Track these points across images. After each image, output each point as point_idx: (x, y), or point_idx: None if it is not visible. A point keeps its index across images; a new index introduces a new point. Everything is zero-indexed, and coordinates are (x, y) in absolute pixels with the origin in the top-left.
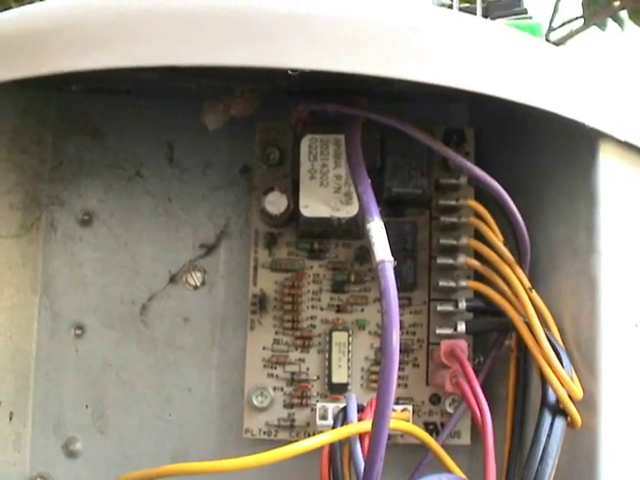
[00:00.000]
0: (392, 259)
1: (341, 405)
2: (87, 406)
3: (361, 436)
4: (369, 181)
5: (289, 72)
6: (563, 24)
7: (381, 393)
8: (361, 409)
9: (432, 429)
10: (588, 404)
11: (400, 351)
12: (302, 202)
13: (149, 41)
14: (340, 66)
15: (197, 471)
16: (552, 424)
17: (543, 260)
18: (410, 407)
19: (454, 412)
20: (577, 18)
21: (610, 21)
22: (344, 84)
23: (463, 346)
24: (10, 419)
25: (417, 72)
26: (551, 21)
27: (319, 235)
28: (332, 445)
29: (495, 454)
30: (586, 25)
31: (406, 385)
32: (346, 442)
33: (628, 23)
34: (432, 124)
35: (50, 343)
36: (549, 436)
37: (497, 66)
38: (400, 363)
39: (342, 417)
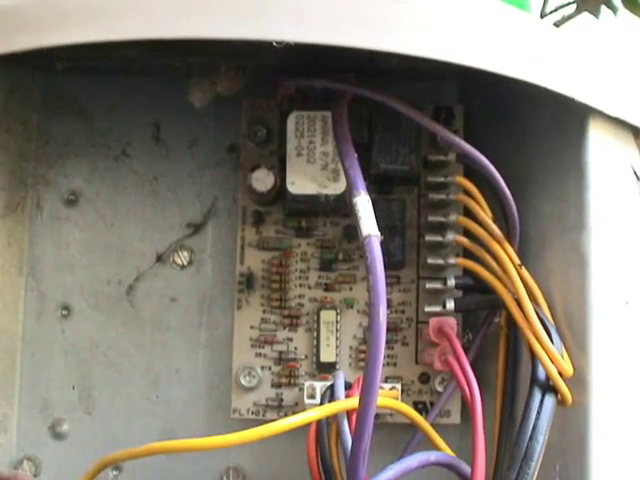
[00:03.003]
0: (379, 234)
1: (329, 384)
2: (74, 387)
3: (349, 413)
4: (356, 156)
5: (274, 44)
6: (556, 9)
7: (368, 368)
8: (349, 387)
9: (421, 408)
10: (578, 381)
11: (389, 330)
12: (289, 179)
13: (132, 15)
14: (325, 38)
15: (183, 448)
16: (542, 401)
17: (533, 237)
18: (399, 386)
19: (444, 391)
20: (570, 4)
21: (603, 8)
22: (332, 61)
23: (452, 323)
24: None
25: (404, 45)
26: (543, 6)
27: (306, 213)
28: (319, 422)
29: (485, 432)
30: (578, 11)
31: (395, 364)
32: (333, 420)
33: (621, 10)
34: (421, 102)
35: (36, 324)
36: (539, 413)
37: (485, 39)
38: (389, 342)
39: (329, 394)
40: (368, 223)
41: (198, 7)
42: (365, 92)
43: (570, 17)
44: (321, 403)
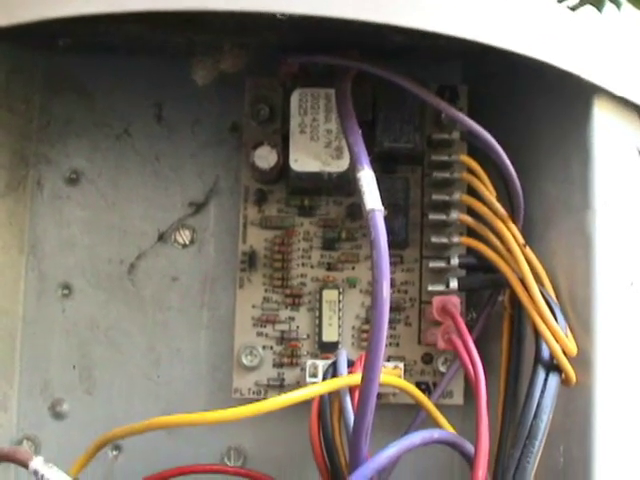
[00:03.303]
0: (382, 208)
1: (332, 361)
2: (74, 367)
3: (351, 390)
4: (359, 132)
5: (278, 16)
6: (559, 1)
7: (371, 344)
8: (351, 365)
9: (424, 389)
10: (583, 362)
11: (391, 309)
12: (292, 156)
13: None
14: (330, 11)
15: (184, 423)
16: (546, 380)
17: (537, 217)
18: (401, 365)
19: (447, 371)
20: None
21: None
22: (335, 38)
23: (455, 302)
24: None
25: (408, 19)
26: None
27: (309, 191)
28: (321, 399)
29: (488, 411)
30: (581, 3)
31: (398, 344)
32: (336, 396)
33: (625, 4)
34: (425, 81)
35: (37, 304)
36: (543, 392)
37: (491, 14)
38: (392, 322)
39: (332, 371)
40: (372, 198)
41: None
42: (369, 68)
43: (574, 9)
44: (324, 379)
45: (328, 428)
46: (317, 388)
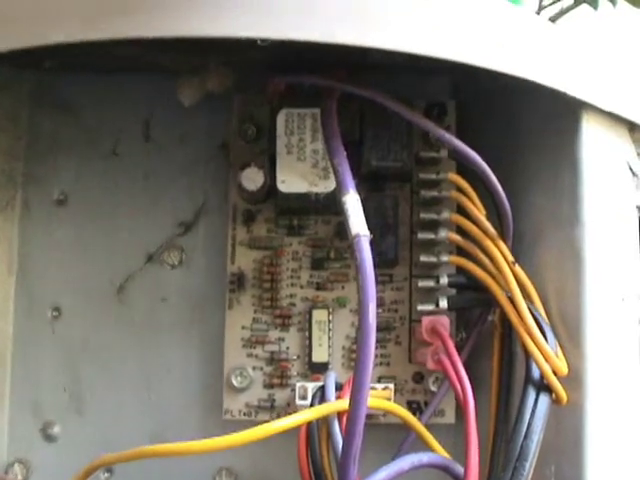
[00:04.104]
0: (368, 233)
1: (320, 385)
2: (65, 389)
3: (339, 415)
4: (345, 154)
5: (258, 42)
6: (553, 2)
7: (358, 369)
8: (340, 388)
9: (415, 408)
10: (574, 380)
11: (381, 329)
12: (279, 177)
13: (108, 13)
14: (309, 35)
15: (172, 452)
16: (536, 400)
17: (527, 233)
18: (392, 385)
19: (438, 390)
20: None
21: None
22: (322, 57)
23: (445, 322)
24: None
25: (392, 41)
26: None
27: (298, 211)
28: (310, 424)
29: (480, 432)
30: (577, 3)
31: (388, 363)
32: (324, 421)
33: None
34: (413, 97)
35: (27, 324)
36: (533, 412)
37: (476, 34)
38: (382, 341)
39: (320, 395)
40: (357, 222)
41: (181, 5)
42: (354, 89)
43: (569, 9)
44: (311, 404)
45: (316, 453)
46: (304, 416)
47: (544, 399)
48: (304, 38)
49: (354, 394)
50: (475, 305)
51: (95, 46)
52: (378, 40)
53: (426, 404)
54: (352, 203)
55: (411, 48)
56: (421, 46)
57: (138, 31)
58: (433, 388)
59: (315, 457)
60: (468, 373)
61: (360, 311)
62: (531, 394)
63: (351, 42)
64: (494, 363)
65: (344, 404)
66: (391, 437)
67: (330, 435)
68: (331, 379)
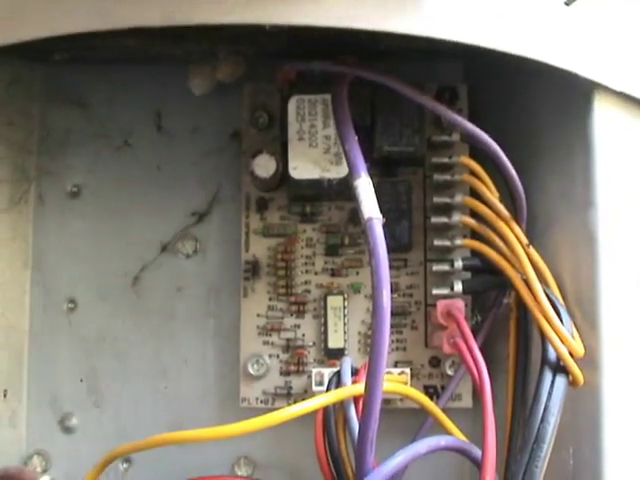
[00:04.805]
0: (380, 216)
1: (336, 370)
2: (82, 380)
3: (356, 399)
4: (356, 138)
5: (267, 28)
6: None
7: (373, 354)
8: (356, 373)
9: (432, 392)
10: (590, 361)
11: (397, 314)
12: (291, 164)
13: (115, 3)
14: (323, 21)
15: (187, 439)
16: (553, 382)
17: (540, 215)
18: (408, 370)
19: (454, 374)
20: None
21: None
22: (333, 44)
23: (460, 305)
24: (5, 396)
25: (402, 25)
26: None
27: (311, 198)
28: (326, 409)
29: (497, 415)
30: None
31: (405, 348)
32: (340, 406)
33: None
34: (425, 82)
35: (43, 318)
36: (550, 394)
37: (486, 16)
38: (398, 326)
39: (336, 381)
40: (369, 206)
41: None
42: (364, 74)
43: (568, 3)
44: (327, 389)
45: (333, 438)
46: (320, 400)
47: (561, 381)
48: (317, 24)
49: (369, 379)
50: (490, 288)
51: (104, 37)
52: (390, 24)
53: (443, 388)
54: (364, 187)
55: (424, 31)
56: (434, 29)
57: (145, 20)
58: (450, 372)
59: (332, 442)
60: (484, 356)
61: (374, 294)
62: (548, 376)
63: (364, 27)
64: (510, 346)
65: (360, 388)
66: (409, 422)
67: (347, 420)
68: (347, 364)
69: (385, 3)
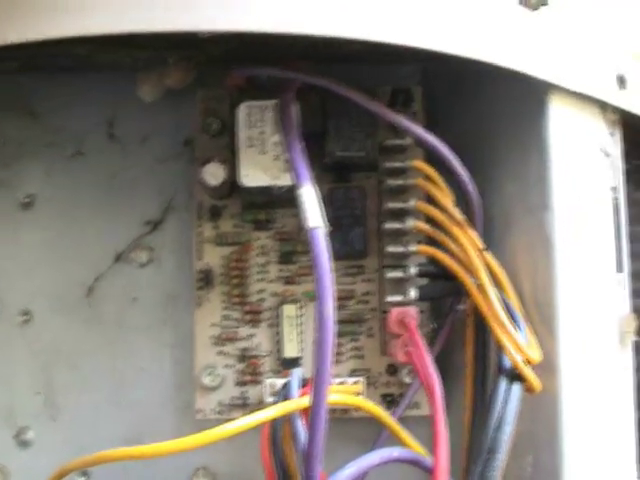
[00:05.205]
0: (324, 225)
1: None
2: (38, 393)
3: (303, 412)
4: (300, 146)
5: (199, 36)
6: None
7: (317, 366)
8: (306, 384)
9: (390, 401)
10: (548, 367)
11: (353, 321)
12: (241, 171)
13: (55, 11)
14: (245, 26)
15: (140, 455)
16: (508, 390)
17: (497, 219)
18: (363, 379)
19: (412, 382)
20: None
21: None
22: (282, 49)
23: (413, 313)
24: None
25: (351, 30)
26: None
27: (263, 205)
28: (272, 423)
29: (456, 423)
30: None
31: (361, 356)
32: (287, 419)
33: None
34: (381, 84)
35: None
36: (505, 402)
37: (439, 21)
38: (354, 334)
39: (284, 393)
40: (313, 215)
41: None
42: (312, 80)
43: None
44: (275, 402)
45: (280, 452)
46: (264, 414)
47: (516, 389)
48: (253, 29)
49: (314, 391)
50: (445, 294)
51: (52, 45)
52: (342, 30)
53: (401, 396)
54: (308, 196)
55: (372, 36)
56: (383, 34)
57: (84, 29)
58: (407, 380)
59: (279, 456)
60: (442, 364)
61: (317, 304)
62: (502, 384)
63: (307, 33)
64: (468, 353)
65: (306, 401)
66: (366, 431)
67: (294, 433)
68: (294, 376)
69: (334, 8)
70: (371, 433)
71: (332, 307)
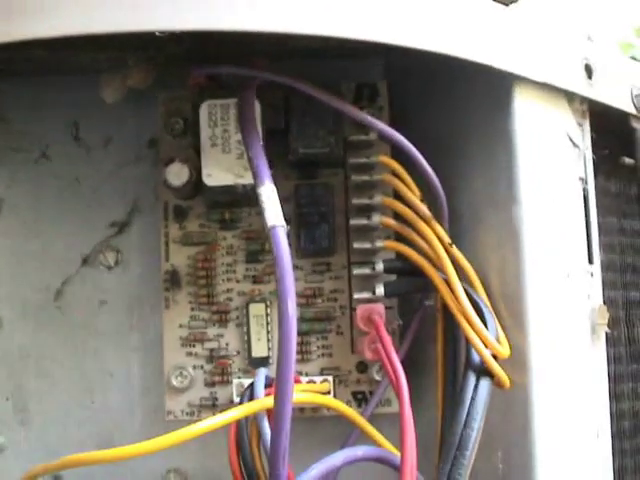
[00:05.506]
0: (284, 224)
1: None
2: (7, 398)
3: (269, 412)
4: (260, 144)
5: (157, 34)
6: None
7: (281, 366)
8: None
9: (361, 398)
10: (518, 361)
11: (322, 319)
12: (205, 171)
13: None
14: (200, 24)
15: (92, 461)
16: (477, 386)
17: (465, 214)
18: (330, 378)
19: (382, 380)
20: None
21: None
22: (242, 46)
23: (380, 309)
24: None
25: (308, 26)
26: None
27: (229, 204)
28: (239, 423)
29: (428, 419)
30: None
31: (331, 354)
32: (253, 419)
33: None
34: (344, 80)
35: None
36: (473, 399)
37: (400, 14)
38: (323, 332)
39: (249, 393)
40: (273, 213)
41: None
42: (271, 77)
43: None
44: (241, 402)
45: (246, 452)
46: (229, 415)
47: (484, 384)
48: (196, 27)
49: (278, 390)
50: (413, 290)
51: (11, 49)
52: (298, 26)
53: (371, 394)
54: (267, 195)
55: (330, 31)
56: (341, 29)
57: (42, 32)
58: (377, 377)
59: (246, 456)
60: (414, 360)
61: (279, 303)
62: (471, 380)
63: (262, 29)
64: (438, 349)
65: (271, 401)
66: (337, 429)
67: (260, 433)
68: (260, 375)
69: (291, 3)
70: (342, 431)
71: (294, 306)
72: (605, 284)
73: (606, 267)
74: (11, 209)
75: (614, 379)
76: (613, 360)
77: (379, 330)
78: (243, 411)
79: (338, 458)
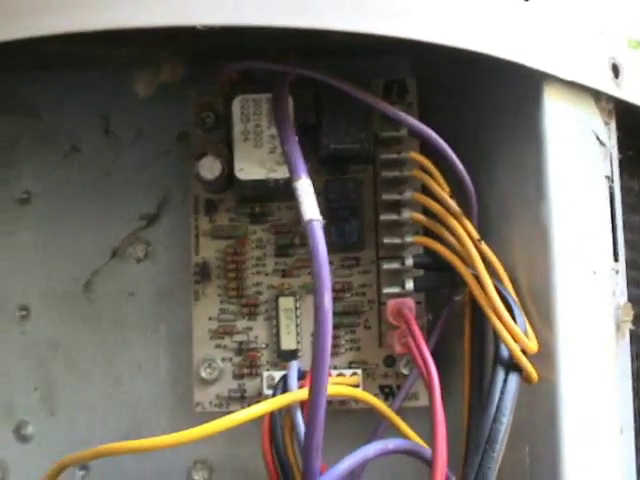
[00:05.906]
0: (320, 218)
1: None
2: (36, 388)
3: (303, 404)
4: (296, 139)
5: (198, 27)
6: None
7: (316, 358)
8: (304, 377)
9: (388, 392)
10: (545, 357)
11: (350, 313)
12: (237, 165)
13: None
14: (247, 20)
15: (137, 448)
16: (506, 381)
17: (493, 210)
18: (360, 371)
19: (410, 373)
20: None
21: None
22: (274, 42)
23: (410, 304)
24: None
25: (344, 23)
26: None
27: (259, 198)
28: (272, 415)
29: (455, 413)
30: None
31: (359, 348)
32: (287, 411)
33: None
34: (374, 77)
35: None
36: (502, 393)
37: (430, 12)
38: (351, 326)
39: (282, 385)
40: (309, 208)
41: None
42: (305, 72)
43: None
44: (274, 394)
45: (280, 444)
46: (263, 407)
47: (513, 379)
48: (241, 23)
49: (313, 383)
50: (442, 285)
51: (44, 44)
52: (334, 23)
53: (399, 388)
54: (304, 189)
55: (367, 28)
56: (377, 26)
57: (74, 26)
58: (405, 371)
59: (279, 448)
60: (440, 355)
61: (315, 297)
62: (500, 374)
63: (302, 25)
64: (466, 344)
65: (305, 393)
66: (366, 422)
67: (293, 425)
68: (293, 368)
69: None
70: (370, 425)
71: (330, 300)
72: (628, 282)
73: (629, 265)
74: (41, 202)
75: (637, 376)
76: (636, 357)
77: (410, 324)
78: (277, 403)
79: (370, 450)
